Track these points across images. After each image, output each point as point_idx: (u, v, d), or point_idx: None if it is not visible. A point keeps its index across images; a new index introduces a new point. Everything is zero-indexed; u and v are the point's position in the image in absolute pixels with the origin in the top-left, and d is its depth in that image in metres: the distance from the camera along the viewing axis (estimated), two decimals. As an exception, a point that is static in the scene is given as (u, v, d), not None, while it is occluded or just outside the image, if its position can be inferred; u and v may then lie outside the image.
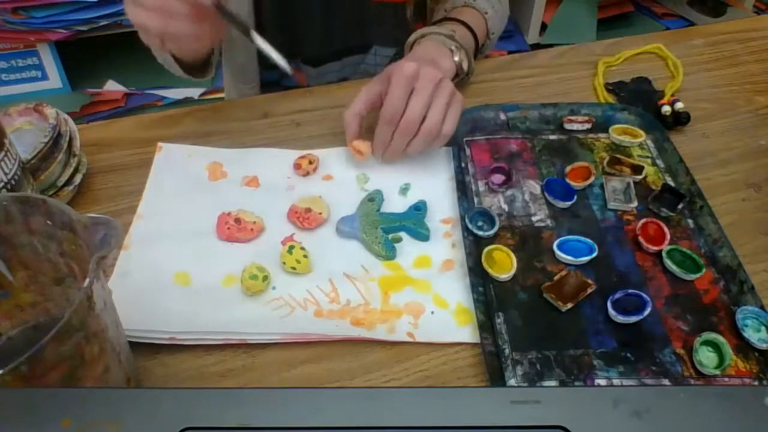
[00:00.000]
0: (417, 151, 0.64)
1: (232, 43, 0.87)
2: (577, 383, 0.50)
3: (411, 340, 0.53)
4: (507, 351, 0.52)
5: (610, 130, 0.72)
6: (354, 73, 0.91)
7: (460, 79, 0.77)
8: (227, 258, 0.59)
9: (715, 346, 0.52)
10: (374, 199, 0.64)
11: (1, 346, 0.51)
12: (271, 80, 0.91)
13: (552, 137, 0.73)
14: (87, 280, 0.38)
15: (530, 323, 0.54)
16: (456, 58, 0.73)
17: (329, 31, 0.86)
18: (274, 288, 0.57)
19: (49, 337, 0.35)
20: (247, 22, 0.64)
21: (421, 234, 0.62)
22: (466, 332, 0.54)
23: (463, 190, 0.65)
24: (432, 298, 0.56)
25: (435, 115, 0.62)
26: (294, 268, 0.58)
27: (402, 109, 0.62)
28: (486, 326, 0.53)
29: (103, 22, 1.84)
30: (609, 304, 0.54)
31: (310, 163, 0.69)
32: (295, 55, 0.89)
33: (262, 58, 0.87)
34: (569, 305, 0.54)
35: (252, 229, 0.61)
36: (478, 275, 0.57)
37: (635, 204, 0.64)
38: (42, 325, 0.52)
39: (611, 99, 0.80)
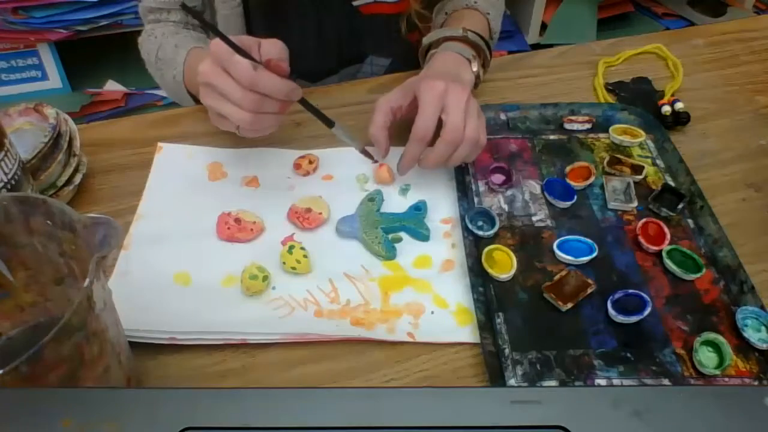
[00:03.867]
0: (460, 159, 0.63)
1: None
2: (577, 383, 0.50)
3: (411, 340, 0.53)
4: (507, 351, 0.52)
5: (610, 130, 0.72)
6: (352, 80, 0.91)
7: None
8: (227, 258, 0.59)
9: (715, 346, 0.52)
10: (374, 199, 0.64)
11: (1, 346, 0.51)
12: None
13: (552, 137, 0.73)
14: (87, 280, 0.38)
15: (530, 323, 0.54)
16: (474, 69, 0.72)
17: (323, 46, 0.86)
18: (274, 288, 0.57)
19: (49, 337, 0.35)
20: (329, 118, 0.65)
21: (421, 234, 0.62)
22: (466, 332, 0.54)
23: (463, 190, 0.65)
24: (432, 298, 0.56)
25: (473, 124, 0.62)
26: (294, 268, 0.58)
27: (433, 128, 0.62)
28: (486, 326, 0.53)
29: (103, 22, 1.84)
30: (609, 304, 0.54)
31: (310, 163, 0.69)
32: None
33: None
34: (569, 305, 0.54)
35: (252, 229, 0.61)
36: (478, 275, 0.57)
37: (635, 204, 0.64)
38: (42, 325, 0.52)
39: (611, 99, 0.80)
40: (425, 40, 0.76)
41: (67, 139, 0.65)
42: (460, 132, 0.61)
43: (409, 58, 0.85)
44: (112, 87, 1.99)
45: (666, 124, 0.74)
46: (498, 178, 0.67)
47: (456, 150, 0.62)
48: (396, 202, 0.66)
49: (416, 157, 0.64)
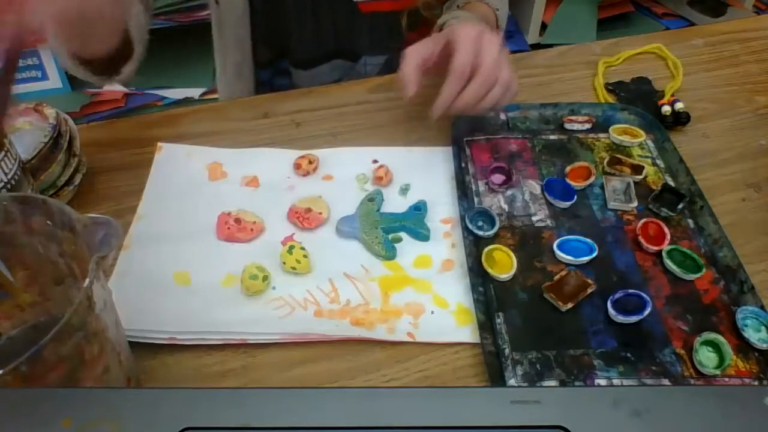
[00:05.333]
0: (493, 101, 0.63)
1: (226, 42, 0.87)
2: (577, 383, 0.50)
3: (411, 340, 0.53)
4: (507, 351, 0.52)
5: (610, 130, 0.72)
6: (344, 76, 0.91)
7: None
8: (227, 258, 0.59)
9: (715, 346, 0.52)
10: (374, 199, 0.64)
11: (1, 346, 0.51)
12: (264, 79, 0.91)
13: (552, 137, 0.73)
14: (87, 280, 0.38)
15: (530, 323, 0.54)
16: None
17: (319, 36, 0.86)
18: (274, 288, 0.57)
19: (49, 337, 0.35)
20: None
21: (421, 234, 0.62)
22: (466, 332, 0.54)
23: (463, 190, 0.65)
24: (432, 298, 0.56)
25: (507, 66, 0.62)
26: (294, 268, 0.58)
27: (470, 65, 0.61)
28: (486, 326, 0.53)
29: (103, 22, 1.84)
30: (609, 304, 0.54)
31: (310, 163, 0.69)
32: (284, 56, 0.89)
33: (258, 57, 0.87)
34: (569, 305, 0.54)
35: (252, 229, 0.61)
36: (478, 275, 0.57)
37: (635, 204, 0.64)
38: (42, 325, 0.52)
39: (611, 99, 0.80)
40: (440, 21, 0.76)
41: (67, 139, 0.65)
42: (495, 73, 0.61)
43: None
44: (112, 87, 1.99)
45: (666, 124, 0.74)
46: (498, 178, 0.67)
47: (490, 91, 0.62)
48: (396, 202, 0.66)
49: (454, 95, 0.62)
